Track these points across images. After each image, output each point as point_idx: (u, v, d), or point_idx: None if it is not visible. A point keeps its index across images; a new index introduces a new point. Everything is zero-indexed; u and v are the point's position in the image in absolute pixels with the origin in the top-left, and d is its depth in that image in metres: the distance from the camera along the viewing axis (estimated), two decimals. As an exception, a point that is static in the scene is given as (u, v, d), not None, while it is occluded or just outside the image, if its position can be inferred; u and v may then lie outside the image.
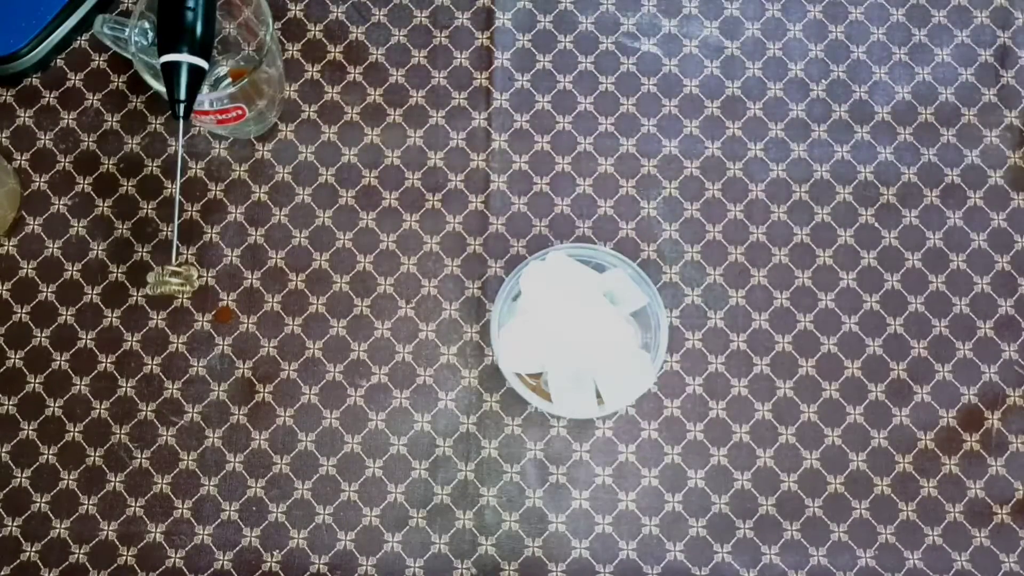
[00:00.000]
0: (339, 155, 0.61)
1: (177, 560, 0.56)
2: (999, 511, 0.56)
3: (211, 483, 0.57)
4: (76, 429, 0.57)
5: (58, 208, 0.60)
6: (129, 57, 0.54)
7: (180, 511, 0.56)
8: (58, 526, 0.56)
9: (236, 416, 0.58)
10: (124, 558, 0.56)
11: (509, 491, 0.57)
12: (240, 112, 0.56)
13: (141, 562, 0.56)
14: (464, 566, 0.56)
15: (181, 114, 0.52)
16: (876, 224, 0.60)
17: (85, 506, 0.56)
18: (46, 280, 0.59)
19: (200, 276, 0.59)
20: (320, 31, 0.63)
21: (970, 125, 0.61)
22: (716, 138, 0.61)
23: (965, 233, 0.60)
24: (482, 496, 0.57)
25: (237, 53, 0.60)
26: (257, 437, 0.57)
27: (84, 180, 0.61)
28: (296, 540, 0.56)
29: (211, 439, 0.57)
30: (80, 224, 0.60)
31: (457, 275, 0.59)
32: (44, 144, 0.61)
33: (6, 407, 0.58)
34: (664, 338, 0.53)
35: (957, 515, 0.56)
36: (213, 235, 0.60)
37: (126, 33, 0.53)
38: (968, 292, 0.59)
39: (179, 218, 0.58)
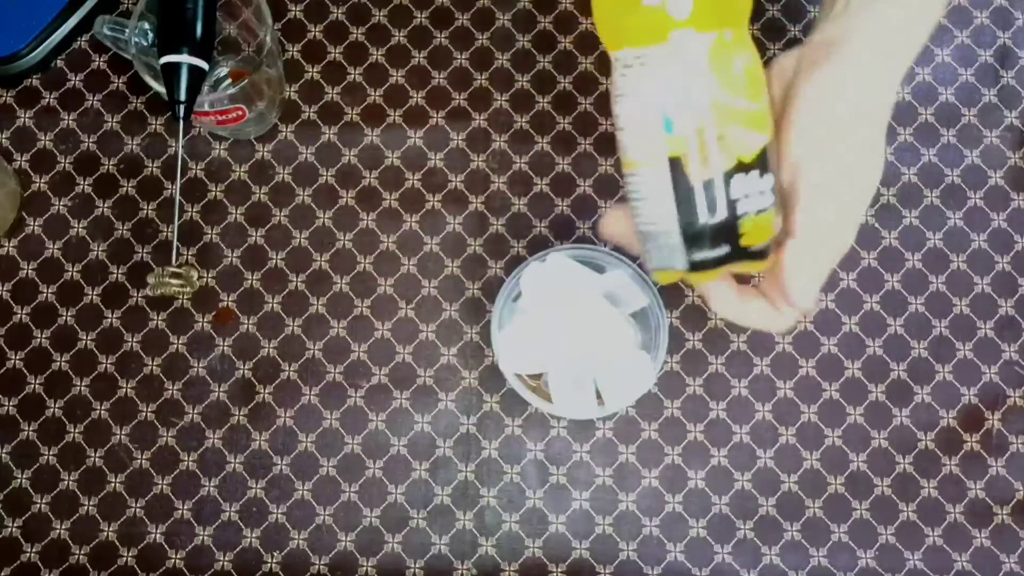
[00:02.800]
0: (339, 156, 0.61)
1: (177, 561, 0.56)
2: (999, 512, 0.56)
3: (211, 484, 0.57)
4: (76, 430, 0.57)
5: (58, 209, 0.60)
6: (129, 58, 0.54)
7: (180, 512, 0.56)
8: (58, 527, 0.56)
9: (236, 417, 0.58)
10: (124, 559, 0.56)
11: (509, 492, 0.57)
12: (240, 113, 0.56)
13: (141, 563, 0.56)
14: (464, 567, 0.56)
15: (181, 115, 0.52)
16: (876, 224, 0.60)
17: (85, 507, 0.56)
18: (46, 281, 0.59)
19: (200, 277, 0.59)
20: (320, 32, 0.63)
21: (970, 125, 0.61)
22: (716, 138, 0.61)
23: (965, 233, 0.60)
24: (482, 497, 0.57)
25: (237, 54, 0.60)
26: (257, 438, 0.57)
27: (84, 181, 0.61)
28: (296, 541, 0.56)
29: (211, 440, 0.57)
30: (80, 225, 0.60)
31: (457, 276, 0.60)
32: (44, 145, 0.61)
33: (6, 408, 0.58)
34: (664, 338, 0.53)
35: (957, 516, 0.56)
36: (213, 236, 0.60)
37: (126, 34, 0.53)
38: (968, 292, 0.59)
39: (179, 219, 0.58)
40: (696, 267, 0.38)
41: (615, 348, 0.53)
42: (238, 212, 0.60)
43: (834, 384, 0.58)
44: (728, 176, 0.36)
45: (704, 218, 0.36)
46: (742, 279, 0.42)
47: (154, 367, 0.58)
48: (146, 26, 0.54)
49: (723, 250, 0.37)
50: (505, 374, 0.53)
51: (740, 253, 0.38)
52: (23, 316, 0.59)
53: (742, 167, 0.36)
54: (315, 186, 0.61)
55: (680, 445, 0.57)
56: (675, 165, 0.36)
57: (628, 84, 0.36)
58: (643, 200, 0.37)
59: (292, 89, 0.62)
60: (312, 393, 0.58)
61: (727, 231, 0.37)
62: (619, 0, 0.36)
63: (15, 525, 0.56)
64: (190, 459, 0.57)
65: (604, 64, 0.62)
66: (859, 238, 0.59)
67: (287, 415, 0.58)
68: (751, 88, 0.36)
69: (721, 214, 0.36)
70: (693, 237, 0.37)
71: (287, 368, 0.58)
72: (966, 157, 0.61)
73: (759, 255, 0.38)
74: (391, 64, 0.63)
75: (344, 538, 0.56)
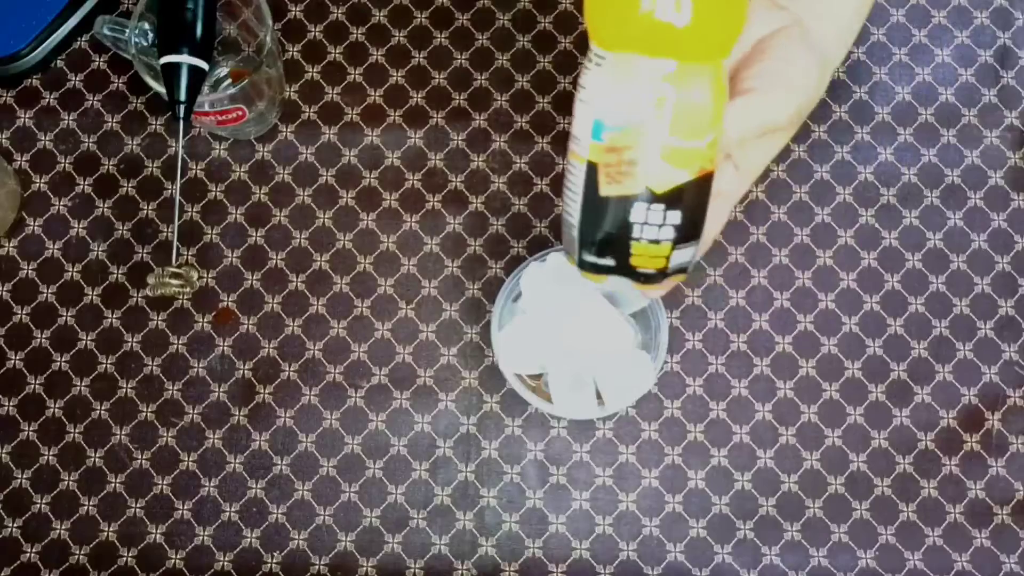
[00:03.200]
0: (339, 156, 0.61)
1: (177, 561, 0.56)
2: (999, 512, 0.56)
3: (211, 484, 0.57)
4: (76, 430, 0.57)
5: (58, 209, 0.60)
6: (129, 58, 0.54)
7: (180, 512, 0.56)
8: (58, 527, 0.56)
9: (236, 417, 0.58)
10: (124, 559, 0.56)
11: (509, 492, 0.57)
12: (240, 113, 0.56)
13: (141, 563, 0.56)
14: (464, 567, 0.56)
15: (181, 115, 0.52)
16: (876, 225, 0.60)
17: (85, 507, 0.56)
18: (46, 281, 0.59)
19: (200, 277, 0.59)
20: (320, 32, 0.63)
21: (970, 126, 0.61)
22: (716, 139, 0.61)
23: (965, 234, 0.60)
24: (482, 497, 0.57)
25: (237, 54, 0.60)
26: (257, 438, 0.57)
27: (84, 181, 0.61)
28: (296, 541, 0.56)
29: (211, 440, 0.57)
30: (80, 225, 0.60)
31: (457, 276, 0.60)
32: (44, 145, 0.61)
33: (6, 408, 0.58)
34: (664, 339, 0.53)
35: (957, 516, 0.56)
36: (213, 236, 0.60)
37: (126, 34, 0.53)
38: (968, 293, 0.59)
39: (179, 219, 0.58)
40: (583, 266, 0.40)
41: (615, 348, 0.53)
42: (238, 212, 0.60)
43: (834, 384, 0.58)
44: (631, 199, 0.37)
45: (598, 228, 0.38)
46: None
47: (154, 367, 0.58)
48: (146, 26, 0.54)
49: (610, 262, 0.39)
50: (505, 374, 0.53)
51: (628, 271, 0.39)
52: (23, 316, 0.59)
53: (650, 196, 0.36)
54: (315, 186, 0.61)
55: (680, 445, 0.57)
56: (591, 170, 0.37)
57: (585, 78, 0.37)
58: (566, 189, 0.38)
59: (292, 89, 0.62)
60: (312, 393, 0.58)
61: (617, 247, 0.38)
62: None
63: (15, 525, 0.56)
64: (190, 459, 0.57)
65: (604, 64, 0.62)
66: (858, 238, 0.59)
67: (287, 415, 0.58)
68: (691, 127, 0.36)
69: (614, 231, 0.37)
70: (586, 239, 0.38)
71: (287, 368, 0.58)
72: (966, 157, 0.61)
73: (649, 278, 0.39)
74: (391, 64, 0.63)
75: (344, 538, 0.56)
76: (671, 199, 0.36)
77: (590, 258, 0.39)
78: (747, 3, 0.36)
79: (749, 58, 0.41)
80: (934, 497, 0.56)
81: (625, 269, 0.39)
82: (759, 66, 0.40)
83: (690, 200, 0.37)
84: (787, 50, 0.41)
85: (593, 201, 0.37)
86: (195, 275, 0.57)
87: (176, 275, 0.55)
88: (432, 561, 0.56)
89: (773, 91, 0.40)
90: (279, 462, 0.57)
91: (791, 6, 0.43)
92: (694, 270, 0.59)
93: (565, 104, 0.62)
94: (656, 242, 0.37)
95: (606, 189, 0.37)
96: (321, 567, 0.56)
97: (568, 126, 0.61)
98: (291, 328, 0.59)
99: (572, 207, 0.38)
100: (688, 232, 0.38)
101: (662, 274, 0.39)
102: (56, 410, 0.58)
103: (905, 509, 0.56)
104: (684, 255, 0.38)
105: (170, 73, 0.52)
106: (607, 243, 0.38)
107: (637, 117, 0.35)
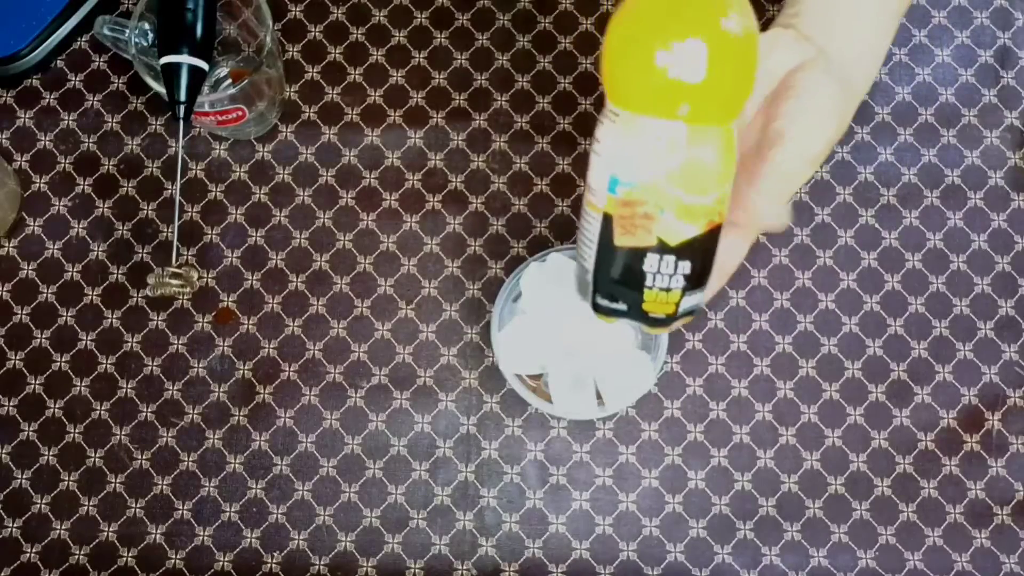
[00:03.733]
0: (339, 156, 0.61)
1: (177, 561, 0.56)
2: (999, 512, 0.56)
3: (211, 484, 0.57)
4: (76, 430, 0.57)
5: (58, 209, 0.60)
6: (129, 58, 0.54)
7: (180, 512, 0.56)
8: (58, 527, 0.56)
9: (236, 417, 0.58)
10: (124, 559, 0.56)
11: (509, 492, 0.57)
12: (240, 113, 0.56)
13: (141, 563, 0.56)
14: (464, 567, 0.56)
15: (181, 115, 0.52)
16: (876, 225, 0.60)
17: (85, 507, 0.56)
18: (46, 281, 0.59)
19: (200, 277, 0.59)
20: (320, 32, 0.63)
21: (970, 126, 0.61)
22: (716, 139, 0.61)
23: (965, 234, 0.60)
24: (482, 497, 0.57)
25: (237, 54, 0.60)
26: (257, 438, 0.57)
27: (84, 181, 0.61)
28: (296, 541, 0.56)
29: (211, 440, 0.57)
30: (80, 225, 0.60)
31: (457, 276, 0.60)
32: (44, 145, 0.61)
33: (6, 408, 0.58)
34: (664, 339, 0.53)
35: (957, 516, 0.56)
36: (213, 236, 0.60)
37: (126, 34, 0.53)
38: (968, 293, 0.59)
39: (179, 219, 0.58)
40: (597, 309, 0.42)
41: (615, 348, 0.53)
42: (238, 212, 0.60)
43: (834, 384, 0.58)
44: (643, 250, 0.38)
45: (612, 275, 0.39)
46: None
47: (154, 367, 0.58)
48: (146, 26, 0.54)
49: (622, 306, 0.41)
50: (505, 374, 0.53)
51: (640, 315, 0.41)
52: (23, 316, 0.59)
53: (661, 248, 0.38)
54: (315, 186, 0.61)
55: (680, 445, 0.57)
56: (606, 221, 0.38)
57: (600, 131, 0.38)
58: (582, 236, 0.40)
59: (292, 89, 0.62)
60: (312, 393, 0.58)
61: (630, 294, 0.40)
62: (629, 56, 0.37)
63: (15, 525, 0.56)
64: (190, 459, 0.57)
65: (604, 64, 0.62)
66: (859, 238, 0.60)
67: (287, 415, 0.58)
68: (700, 184, 0.37)
69: (627, 278, 0.39)
70: (600, 285, 0.40)
71: (287, 368, 0.58)
72: (966, 157, 0.61)
73: (660, 322, 0.41)
74: (391, 64, 0.63)
75: (344, 538, 0.56)
76: (682, 251, 0.38)
77: (604, 302, 0.41)
78: (756, 70, 0.37)
79: (779, 94, 0.42)
80: (934, 497, 0.56)
81: (637, 314, 0.40)
82: (788, 104, 0.41)
83: (700, 251, 0.38)
84: (812, 82, 0.42)
85: (608, 250, 0.39)
86: (195, 275, 0.57)
87: (176, 275, 0.55)
88: (432, 561, 0.56)
89: (802, 128, 0.41)
90: (279, 462, 0.57)
91: (814, 36, 0.43)
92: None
93: (565, 104, 0.62)
94: (667, 290, 0.39)
95: (621, 240, 0.38)
96: (321, 567, 0.56)
97: (568, 127, 0.62)
98: (291, 328, 0.59)
99: (587, 253, 0.40)
100: (697, 280, 0.39)
101: (672, 318, 0.41)
102: (56, 410, 0.58)
103: (905, 509, 0.56)
104: (693, 300, 0.40)
105: (170, 73, 0.52)
106: (620, 290, 0.40)
107: (650, 175, 0.37)
